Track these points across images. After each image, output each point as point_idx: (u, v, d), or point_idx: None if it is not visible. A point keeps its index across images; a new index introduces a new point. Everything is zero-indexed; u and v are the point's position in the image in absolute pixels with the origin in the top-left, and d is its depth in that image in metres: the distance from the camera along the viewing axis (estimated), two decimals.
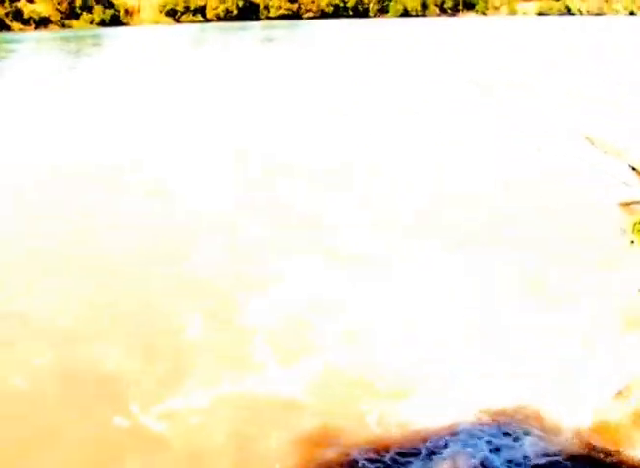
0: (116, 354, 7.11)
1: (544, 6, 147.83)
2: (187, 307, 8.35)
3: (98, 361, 7.09)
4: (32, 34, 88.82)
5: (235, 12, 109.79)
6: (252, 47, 49.23)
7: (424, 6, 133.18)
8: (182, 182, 13.63)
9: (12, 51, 52.61)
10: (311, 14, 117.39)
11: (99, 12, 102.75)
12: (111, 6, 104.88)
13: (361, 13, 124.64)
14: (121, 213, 11.87)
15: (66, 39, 71.99)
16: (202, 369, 6.92)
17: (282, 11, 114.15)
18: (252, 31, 75.76)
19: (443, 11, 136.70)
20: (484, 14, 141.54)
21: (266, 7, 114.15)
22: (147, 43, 65.18)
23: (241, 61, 37.29)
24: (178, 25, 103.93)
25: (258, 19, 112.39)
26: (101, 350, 7.18)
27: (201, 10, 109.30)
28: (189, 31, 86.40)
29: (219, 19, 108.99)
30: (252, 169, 14.53)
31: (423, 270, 9.54)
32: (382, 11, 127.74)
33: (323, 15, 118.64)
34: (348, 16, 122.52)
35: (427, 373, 7.25)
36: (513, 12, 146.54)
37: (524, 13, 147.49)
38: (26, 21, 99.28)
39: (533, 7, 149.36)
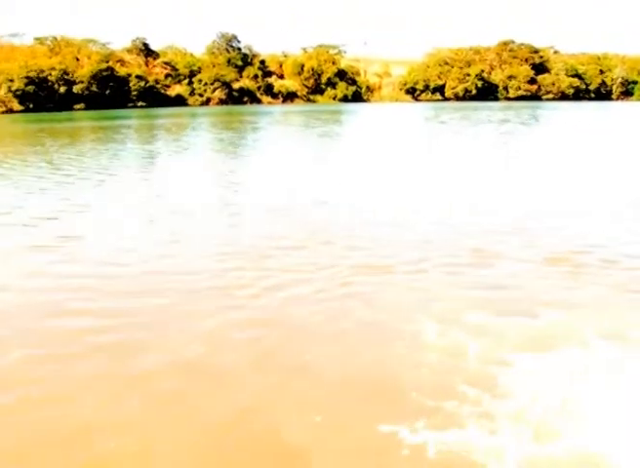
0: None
1: None
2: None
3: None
4: (278, 107, 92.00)
5: (474, 92, 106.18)
6: (481, 127, 47.85)
7: None
8: None
9: (254, 122, 56.84)
10: (551, 95, 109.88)
11: (342, 88, 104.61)
12: (354, 83, 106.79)
13: (603, 95, 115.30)
14: None
15: (305, 112, 74.45)
16: None
17: (521, 92, 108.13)
18: (487, 111, 72.91)
19: None
20: None
21: (505, 88, 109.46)
22: (384, 117, 66.02)
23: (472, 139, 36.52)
24: (416, 103, 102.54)
25: (496, 99, 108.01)
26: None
27: (440, 89, 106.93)
28: (425, 108, 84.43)
29: (457, 98, 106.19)
30: None
31: None
32: (627, 94, 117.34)
33: (563, 97, 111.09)
34: (590, 98, 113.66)
35: None
36: None
37: None
38: (275, 95, 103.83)
39: None
